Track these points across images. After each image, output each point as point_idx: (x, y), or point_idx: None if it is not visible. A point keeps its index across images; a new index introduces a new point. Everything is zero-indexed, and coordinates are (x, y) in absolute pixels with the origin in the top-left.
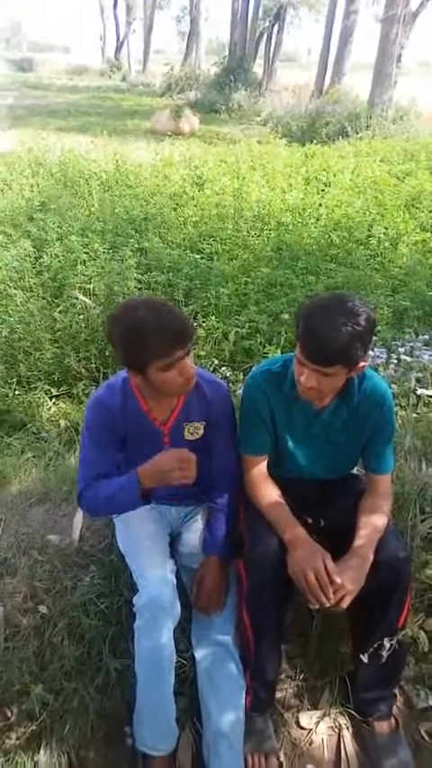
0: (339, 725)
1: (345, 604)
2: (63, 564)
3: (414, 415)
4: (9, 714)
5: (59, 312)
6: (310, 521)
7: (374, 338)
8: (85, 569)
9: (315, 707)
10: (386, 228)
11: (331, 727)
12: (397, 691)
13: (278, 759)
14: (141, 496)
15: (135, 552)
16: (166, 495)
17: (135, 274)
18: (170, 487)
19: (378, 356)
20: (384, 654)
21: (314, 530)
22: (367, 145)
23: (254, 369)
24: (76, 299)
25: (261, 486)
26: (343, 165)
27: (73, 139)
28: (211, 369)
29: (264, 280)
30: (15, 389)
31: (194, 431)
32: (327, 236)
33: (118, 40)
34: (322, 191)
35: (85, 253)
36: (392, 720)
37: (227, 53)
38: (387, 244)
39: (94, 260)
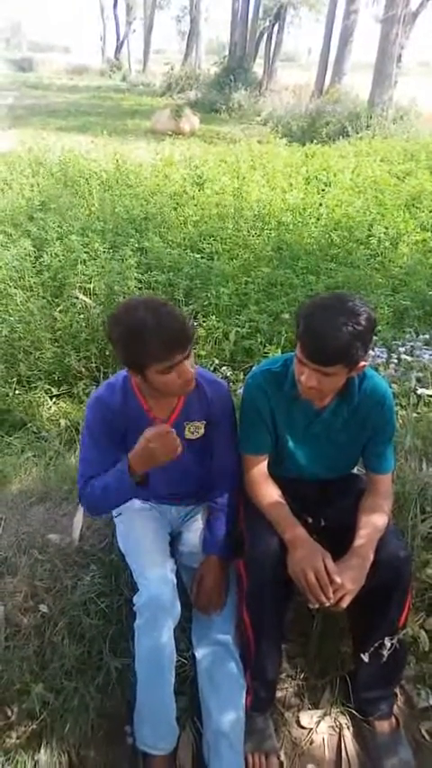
0: (340, 724)
1: (344, 604)
2: (63, 563)
3: (414, 414)
4: (9, 713)
5: (60, 311)
6: (310, 520)
7: (375, 338)
8: (86, 568)
9: (316, 706)
10: (386, 228)
11: (332, 727)
12: (398, 690)
13: (279, 758)
14: (136, 484)
15: (135, 551)
16: (166, 494)
17: (135, 274)
18: (170, 487)
19: (378, 356)
20: (385, 653)
21: (314, 529)
22: (367, 145)
23: (254, 368)
24: (77, 298)
25: (261, 485)
26: (343, 165)
27: (73, 139)
28: (212, 368)
29: (264, 279)
30: (15, 389)
31: (195, 430)
32: (327, 235)
33: (118, 39)
34: (322, 190)
35: (85, 252)
36: (393, 720)
37: (227, 53)
38: (387, 243)
39: (95, 259)
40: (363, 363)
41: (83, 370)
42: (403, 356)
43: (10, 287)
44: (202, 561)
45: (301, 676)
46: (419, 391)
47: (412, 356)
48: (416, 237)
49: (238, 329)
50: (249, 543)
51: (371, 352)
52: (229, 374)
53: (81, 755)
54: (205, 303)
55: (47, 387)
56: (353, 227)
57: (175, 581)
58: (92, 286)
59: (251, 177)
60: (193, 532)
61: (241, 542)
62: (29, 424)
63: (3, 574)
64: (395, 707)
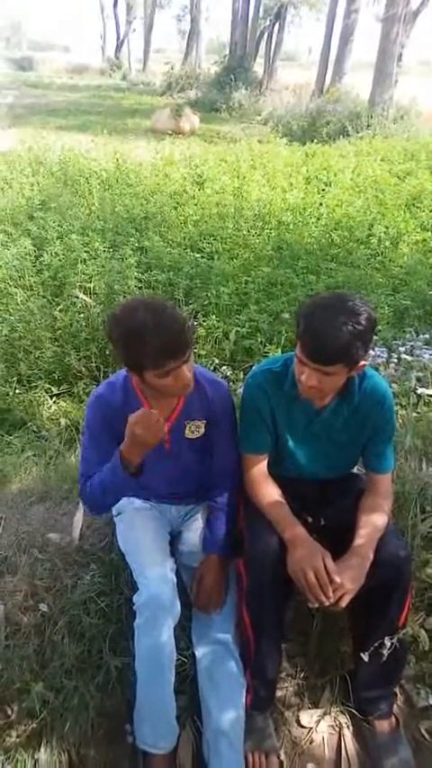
0: (340, 723)
1: (344, 603)
2: (63, 562)
3: (414, 414)
4: (9, 712)
5: (60, 311)
6: (310, 520)
7: (375, 337)
8: (86, 568)
9: (315, 705)
10: (387, 228)
11: (332, 726)
12: (397, 689)
13: (278, 758)
14: (131, 475)
15: (135, 551)
16: (166, 493)
17: (135, 273)
18: (170, 486)
19: (378, 355)
20: (385, 652)
21: (314, 529)
22: (368, 144)
23: (254, 368)
24: (77, 297)
25: (261, 485)
26: (343, 165)
27: (73, 138)
28: (212, 368)
29: (264, 279)
30: (16, 388)
31: (195, 429)
32: (327, 235)
33: (118, 38)
34: (323, 190)
35: (85, 251)
36: (393, 719)
37: (227, 52)
38: (388, 243)
39: (95, 259)
40: (363, 363)
41: (83, 369)
42: (403, 356)
43: (10, 286)
44: (201, 560)
45: (301, 675)
46: (419, 391)
47: (412, 356)
48: (416, 237)
49: (239, 329)
50: (249, 542)
51: (371, 351)
52: (229, 374)
53: (81, 754)
54: (205, 302)
55: (47, 386)
56: (353, 226)
57: (174, 580)
58: (92, 285)
59: (251, 177)
60: (193, 532)
61: (241, 541)
62: (29, 424)
63: (3, 573)
64: (395, 706)
